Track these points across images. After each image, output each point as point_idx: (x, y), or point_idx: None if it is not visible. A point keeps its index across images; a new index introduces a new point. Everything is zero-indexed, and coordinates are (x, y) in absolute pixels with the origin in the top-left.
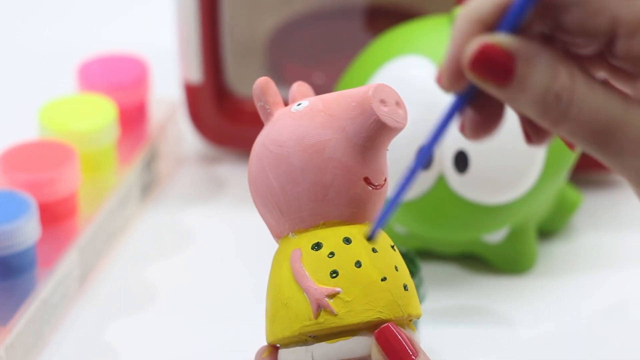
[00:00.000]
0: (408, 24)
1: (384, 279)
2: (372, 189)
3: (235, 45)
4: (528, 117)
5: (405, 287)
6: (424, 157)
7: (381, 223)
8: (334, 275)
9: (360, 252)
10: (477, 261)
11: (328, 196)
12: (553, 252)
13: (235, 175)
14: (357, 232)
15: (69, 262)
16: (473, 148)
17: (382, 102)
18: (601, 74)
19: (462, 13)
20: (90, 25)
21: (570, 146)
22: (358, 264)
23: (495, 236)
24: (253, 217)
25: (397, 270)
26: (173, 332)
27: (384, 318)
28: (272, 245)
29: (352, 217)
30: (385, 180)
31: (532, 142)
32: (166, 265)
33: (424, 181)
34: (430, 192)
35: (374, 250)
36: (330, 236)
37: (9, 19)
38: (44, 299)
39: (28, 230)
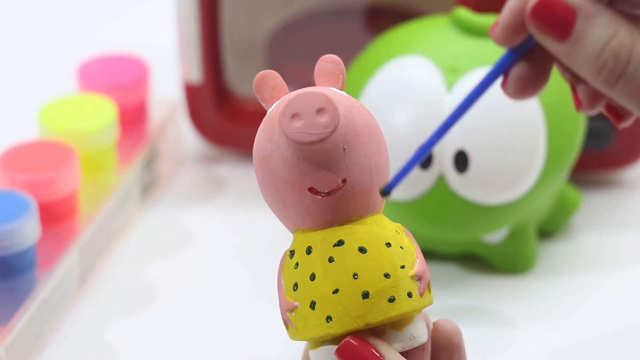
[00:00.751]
0: (408, 24)
1: (335, 291)
2: (322, 197)
3: (235, 45)
4: (580, 80)
5: (364, 295)
6: (463, 109)
7: (398, 179)
8: (295, 288)
9: (315, 263)
10: (477, 261)
11: (286, 206)
12: (553, 252)
13: (235, 176)
14: (320, 239)
15: (69, 262)
16: (473, 148)
17: (296, 116)
18: None
19: None
20: (90, 25)
21: (618, 120)
22: (312, 277)
23: (495, 236)
24: (253, 217)
25: (355, 278)
26: (173, 332)
27: (333, 333)
28: (272, 245)
29: (317, 223)
30: (343, 181)
31: (582, 108)
32: (166, 265)
33: (424, 181)
34: (430, 192)
35: (330, 259)
36: (300, 244)
37: (9, 19)
38: (44, 299)
39: (28, 230)
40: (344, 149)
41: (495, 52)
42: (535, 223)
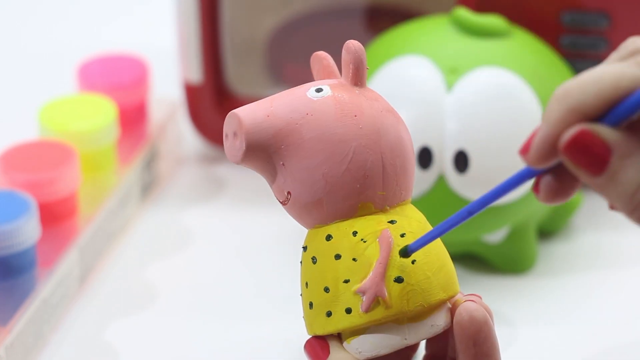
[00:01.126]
0: (408, 24)
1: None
2: (283, 205)
3: (235, 45)
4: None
5: (310, 305)
6: (476, 210)
7: (418, 244)
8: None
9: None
10: (477, 261)
11: None
12: (553, 252)
13: (236, 176)
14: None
15: (69, 262)
16: (473, 148)
17: (226, 136)
18: None
19: (560, 96)
20: (90, 25)
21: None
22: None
23: (495, 236)
24: (253, 217)
25: (307, 287)
26: (173, 332)
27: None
28: (272, 245)
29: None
30: (289, 193)
31: (539, 197)
32: (166, 265)
33: (424, 181)
34: (430, 192)
35: (301, 262)
36: None
37: (9, 19)
38: (43, 299)
39: (28, 230)
40: (283, 164)
41: (495, 52)
42: (535, 223)
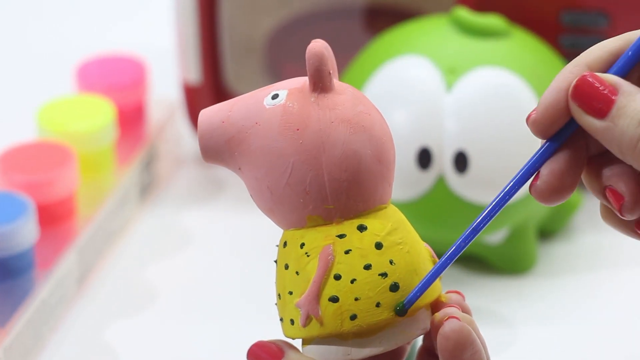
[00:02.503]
0: (408, 24)
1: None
2: None
3: (234, 45)
4: (613, 179)
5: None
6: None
7: (414, 295)
8: None
9: None
10: (477, 262)
11: None
12: (553, 253)
13: (235, 176)
14: None
15: (67, 263)
16: (473, 148)
17: None
18: None
19: (568, 64)
20: (89, 26)
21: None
22: None
23: (495, 237)
24: (252, 217)
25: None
26: (172, 333)
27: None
28: (271, 245)
29: None
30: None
31: (624, 207)
32: (165, 266)
33: (424, 181)
34: (430, 192)
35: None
36: None
37: (8, 19)
38: (42, 300)
39: (26, 231)
40: (240, 169)
41: (495, 52)
42: (535, 224)
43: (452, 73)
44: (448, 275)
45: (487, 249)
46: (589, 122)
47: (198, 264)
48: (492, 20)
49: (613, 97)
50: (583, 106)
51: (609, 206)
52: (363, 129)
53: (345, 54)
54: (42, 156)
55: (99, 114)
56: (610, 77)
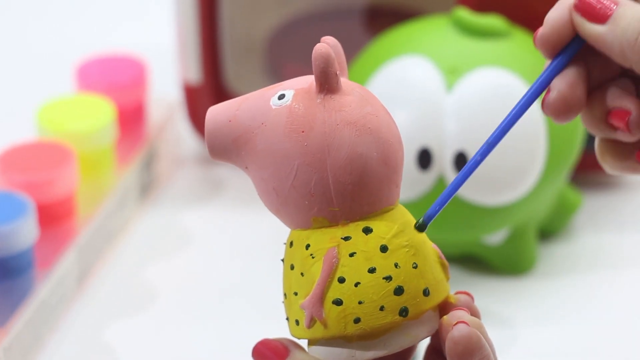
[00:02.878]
0: (408, 24)
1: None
2: None
3: (234, 45)
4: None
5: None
6: (509, 125)
7: (432, 213)
8: None
9: None
10: (478, 262)
11: None
12: (553, 253)
13: (234, 176)
14: None
15: (67, 263)
16: (473, 149)
17: None
18: None
19: None
20: (89, 26)
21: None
22: None
23: (496, 237)
24: (252, 217)
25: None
26: (171, 333)
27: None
28: (270, 246)
29: None
30: None
31: (636, 126)
32: (165, 266)
33: (424, 182)
34: (430, 193)
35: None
36: None
37: (8, 19)
38: (42, 300)
39: (26, 231)
40: (247, 167)
41: (495, 53)
42: (536, 224)
43: (452, 73)
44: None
45: (487, 249)
46: (591, 29)
47: (197, 263)
48: (493, 21)
49: (613, 5)
50: (585, 14)
51: (611, 135)
52: (369, 132)
53: (346, 55)
54: (42, 156)
55: (99, 114)
56: None
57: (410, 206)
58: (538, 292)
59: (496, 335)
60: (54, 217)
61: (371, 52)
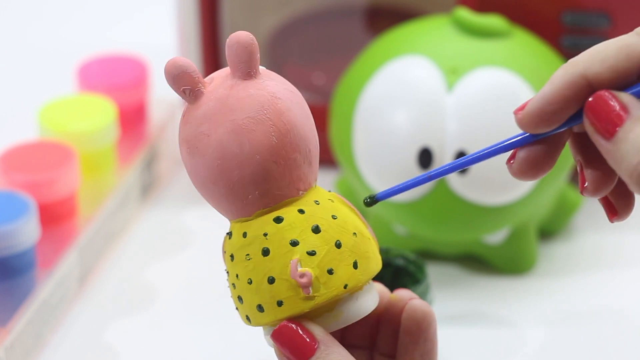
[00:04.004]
0: (408, 24)
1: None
2: None
3: None
4: (590, 163)
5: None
6: (460, 166)
7: (386, 194)
8: None
9: None
10: (478, 262)
11: None
12: (553, 253)
13: None
14: None
15: (68, 262)
16: (473, 148)
17: None
18: None
19: (566, 64)
20: (90, 26)
21: (612, 214)
22: None
23: (496, 237)
24: None
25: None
26: (172, 333)
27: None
28: None
29: None
30: None
31: (585, 191)
32: (166, 265)
33: None
34: (430, 193)
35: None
36: None
37: (9, 19)
38: (43, 299)
39: (27, 231)
40: None
41: (495, 53)
42: (536, 224)
43: (453, 73)
44: (449, 275)
45: (487, 249)
46: (598, 141)
47: (198, 263)
48: (493, 21)
49: (620, 121)
50: (594, 124)
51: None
52: (196, 151)
53: (346, 54)
54: (44, 156)
55: (100, 114)
56: (625, 98)
57: (411, 206)
58: (538, 292)
59: (496, 334)
60: (56, 216)
61: (371, 52)
